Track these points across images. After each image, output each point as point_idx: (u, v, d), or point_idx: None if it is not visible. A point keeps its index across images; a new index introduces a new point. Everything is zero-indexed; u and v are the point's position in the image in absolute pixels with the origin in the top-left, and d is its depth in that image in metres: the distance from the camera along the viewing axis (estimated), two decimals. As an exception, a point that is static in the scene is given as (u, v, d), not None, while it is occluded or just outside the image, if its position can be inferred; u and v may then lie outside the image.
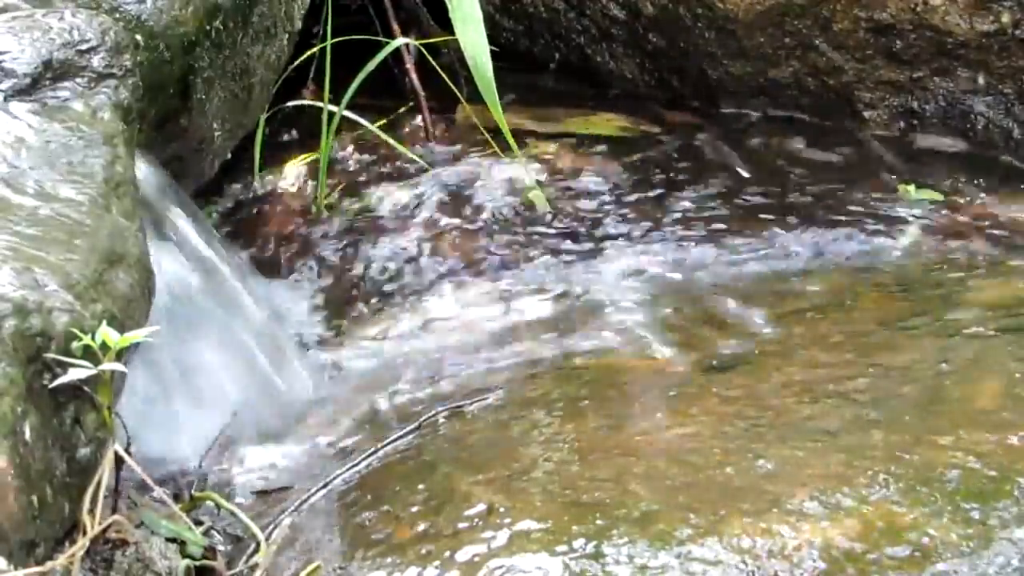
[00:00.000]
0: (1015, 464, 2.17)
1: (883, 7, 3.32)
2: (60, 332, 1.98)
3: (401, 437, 2.50)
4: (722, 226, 3.13)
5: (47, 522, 1.96)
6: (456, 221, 3.14)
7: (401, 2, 3.53)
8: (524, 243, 3.09)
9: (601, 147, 3.37)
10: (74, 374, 1.98)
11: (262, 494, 2.48)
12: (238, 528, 2.37)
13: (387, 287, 2.98)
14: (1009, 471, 2.15)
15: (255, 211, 3.15)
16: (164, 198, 2.62)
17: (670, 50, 3.51)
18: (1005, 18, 3.27)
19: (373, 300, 2.95)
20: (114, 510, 2.17)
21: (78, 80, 2.40)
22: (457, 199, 3.20)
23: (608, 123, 3.46)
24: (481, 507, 2.21)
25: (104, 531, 2.13)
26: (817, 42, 3.39)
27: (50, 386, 1.98)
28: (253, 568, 2.24)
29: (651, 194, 3.23)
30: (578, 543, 2.09)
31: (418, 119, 3.41)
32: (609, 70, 3.58)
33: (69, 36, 2.42)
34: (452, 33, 3.00)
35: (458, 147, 3.35)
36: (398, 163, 3.29)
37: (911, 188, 3.21)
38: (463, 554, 2.12)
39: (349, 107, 3.13)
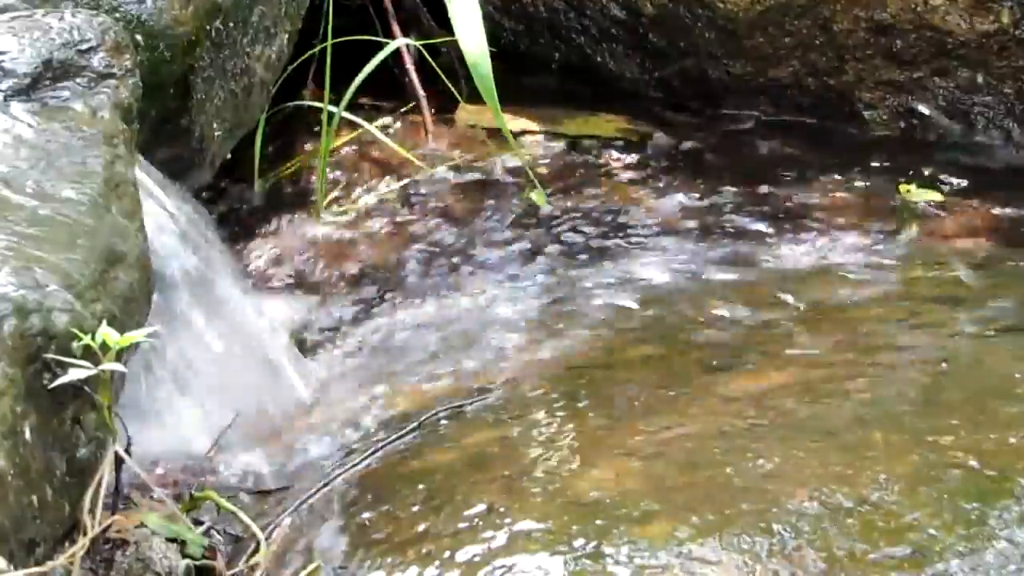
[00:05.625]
0: (1015, 464, 2.17)
1: (883, 7, 3.32)
2: (60, 332, 1.98)
3: (401, 437, 2.50)
4: (722, 226, 3.13)
5: (47, 522, 1.96)
6: (455, 221, 3.14)
7: (401, 2, 3.53)
8: (524, 242, 3.09)
9: (601, 147, 3.37)
10: (74, 374, 1.98)
11: (262, 494, 2.48)
12: (238, 528, 2.37)
13: (386, 287, 2.98)
14: (1009, 471, 2.15)
15: (254, 211, 3.15)
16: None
17: (670, 50, 3.51)
18: (1005, 18, 3.27)
19: (372, 301, 2.95)
20: (114, 510, 2.17)
21: (78, 80, 2.40)
22: (456, 199, 3.20)
23: (608, 123, 3.46)
24: (481, 507, 2.21)
25: (104, 531, 2.13)
26: (817, 42, 3.39)
27: (50, 386, 1.97)
28: (253, 568, 2.24)
29: (651, 194, 3.23)
30: (578, 543, 2.09)
31: (418, 119, 3.41)
32: (609, 70, 3.58)
33: (69, 36, 2.42)
34: (452, 33, 3.00)
35: (458, 147, 3.35)
36: (398, 163, 3.29)
37: (911, 188, 3.21)
38: (463, 554, 2.12)
39: (349, 107, 3.13)
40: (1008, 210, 3.18)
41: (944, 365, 2.51)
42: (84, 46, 2.42)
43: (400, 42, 3.29)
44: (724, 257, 3.04)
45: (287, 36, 3.03)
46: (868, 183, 3.27)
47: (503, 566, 2.08)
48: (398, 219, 3.15)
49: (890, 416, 2.34)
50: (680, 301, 2.88)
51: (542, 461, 2.33)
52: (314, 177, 3.18)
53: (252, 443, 2.59)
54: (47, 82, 2.38)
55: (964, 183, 3.26)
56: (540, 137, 3.39)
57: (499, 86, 2.94)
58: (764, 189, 3.25)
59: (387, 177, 3.26)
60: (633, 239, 3.09)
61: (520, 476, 2.29)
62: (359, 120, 3.24)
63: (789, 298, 2.87)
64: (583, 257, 3.04)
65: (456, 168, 3.28)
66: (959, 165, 3.31)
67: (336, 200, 3.18)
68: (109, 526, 2.13)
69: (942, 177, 3.27)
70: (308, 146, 3.28)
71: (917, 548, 2.03)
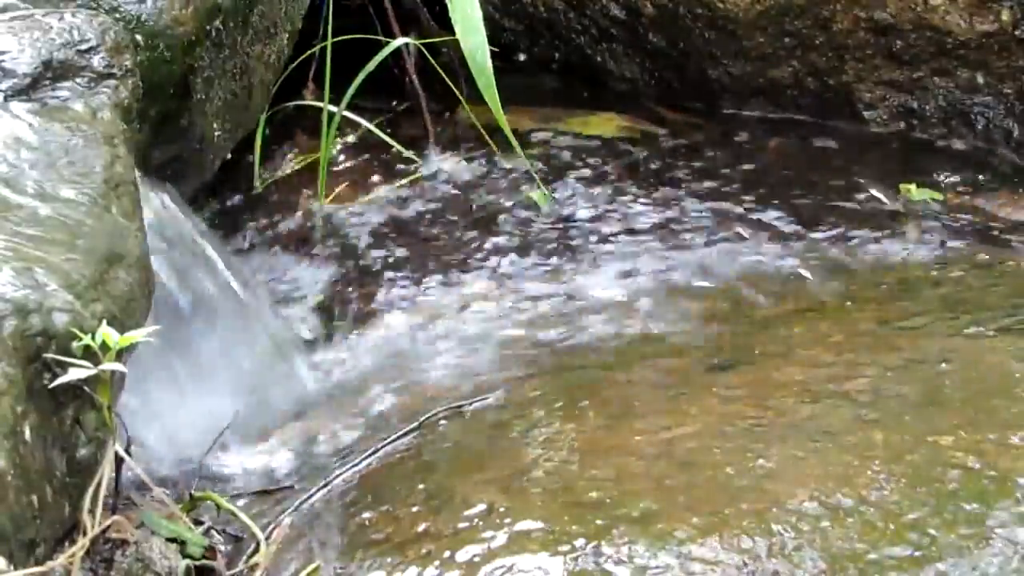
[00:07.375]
0: (1015, 464, 2.17)
1: (883, 7, 3.32)
2: (60, 332, 1.98)
3: (401, 437, 2.50)
4: (722, 226, 3.13)
5: (47, 522, 1.96)
6: (456, 221, 3.14)
7: (401, 2, 3.53)
8: (525, 242, 3.09)
9: (602, 147, 3.37)
10: (74, 374, 1.98)
11: (262, 494, 2.48)
12: (238, 528, 2.37)
13: (386, 286, 2.98)
14: (1009, 471, 2.15)
15: (254, 211, 3.15)
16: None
17: (670, 50, 3.51)
18: (1005, 18, 3.27)
19: (372, 299, 2.95)
20: (114, 510, 2.17)
21: (78, 80, 2.40)
22: (457, 199, 3.20)
23: (608, 123, 3.46)
24: (481, 507, 2.21)
25: (104, 531, 2.13)
26: (817, 42, 3.39)
27: (50, 386, 1.97)
28: (253, 568, 2.24)
29: (651, 194, 3.23)
30: (578, 543, 2.09)
31: (418, 119, 3.41)
32: (609, 70, 3.58)
33: (69, 36, 2.42)
34: (452, 33, 3.00)
35: (458, 147, 3.35)
36: (398, 163, 3.30)
37: (911, 188, 3.20)
38: (463, 554, 2.12)
39: (349, 107, 3.13)
40: (1008, 210, 3.18)
41: (944, 365, 2.51)
42: (84, 46, 2.42)
43: (400, 42, 3.29)
44: (724, 256, 3.04)
45: (287, 36, 3.03)
46: (868, 183, 3.27)
47: (503, 566, 2.08)
48: (398, 219, 3.15)
49: (890, 416, 2.34)
50: (681, 301, 2.88)
51: (542, 461, 2.33)
52: (315, 176, 3.18)
53: (253, 442, 2.59)
54: (47, 82, 2.38)
55: (964, 183, 3.26)
56: (540, 137, 3.39)
57: (499, 86, 2.94)
58: (764, 189, 3.25)
59: (387, 176, 3.26)
60: (634, 239, 3.09)
61: (520, 476, 2.29)
62: (359, 120, 3.24)
63: (789, 298, 2.87)
64: (584, 257, 3.04)
65: (456, 168, 3.28)
66: (959, 165, 3.32)
67: (336, 199, 3.18)
68: (109, 526, 2.13)
69: (942, 177, 3.27)
70: (308, 146, 3.28)
71: (917, 548, 2.03)
